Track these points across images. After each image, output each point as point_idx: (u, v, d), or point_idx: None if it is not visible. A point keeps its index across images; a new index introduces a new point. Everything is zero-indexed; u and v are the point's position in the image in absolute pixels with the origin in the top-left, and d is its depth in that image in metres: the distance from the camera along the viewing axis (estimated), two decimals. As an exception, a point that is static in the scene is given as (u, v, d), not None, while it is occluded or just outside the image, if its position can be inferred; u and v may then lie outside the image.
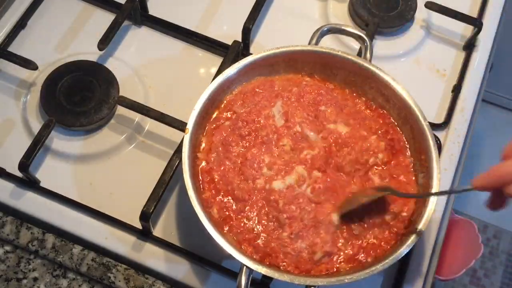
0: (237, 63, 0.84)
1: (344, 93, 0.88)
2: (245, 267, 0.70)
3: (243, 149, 0.82)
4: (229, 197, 0.78)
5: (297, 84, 0.87)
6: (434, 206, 0.75)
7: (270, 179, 0.79)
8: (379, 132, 0.85)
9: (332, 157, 0.82)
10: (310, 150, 0.82)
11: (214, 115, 0.84)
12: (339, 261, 0.76)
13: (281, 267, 0.74)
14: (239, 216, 0.78)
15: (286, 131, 0.83)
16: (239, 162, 0.80)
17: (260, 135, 0.82)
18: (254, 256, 0.75)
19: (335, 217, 0.77)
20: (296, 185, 0.79)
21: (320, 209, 0.78)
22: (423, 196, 0.79)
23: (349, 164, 0.81)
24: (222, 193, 0.79)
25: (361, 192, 0.80)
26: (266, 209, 0.78)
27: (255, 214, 0.78)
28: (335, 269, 0.75)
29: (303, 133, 0.83)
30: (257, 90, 0.86)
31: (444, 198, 0.92)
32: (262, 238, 0.76)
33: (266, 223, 0.77)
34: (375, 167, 0.82)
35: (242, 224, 0.77)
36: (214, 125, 0.83)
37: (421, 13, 1.06)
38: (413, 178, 0.82)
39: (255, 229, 0.77)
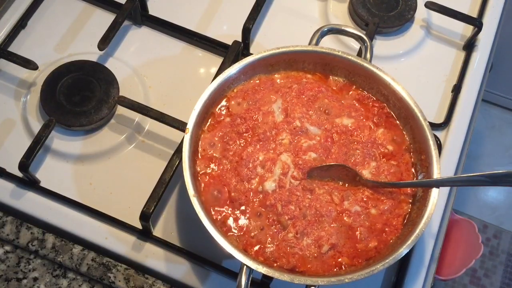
0: (237, 63, 0.84)
1: (340, 85, 0.89)
2: (245, 266, 0.70)
3: (240, 147, 0.82)
4: (228, 199, 0.78)
5: (297, 81, 0.87)
6: (434, 206, 0.75)
7: (261, 179, 0.79)
8: (375, 119, 0.85)
9: (334, 147, 0.82)
10: (308, 140, 0.83)
11: (215, 112, 0.84)
12: (343, 251, 0.76)
13: (294, 270, 0.74)
14: (239, 219, 0.77)
15: (285, 126, 0.83)
16: (235, 161, 0.80)
17: (258, 132, 0.82)
18: (260, 258, 0.75)
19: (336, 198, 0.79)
20: (283, 176, 0.79)
21: (318, 198, 0.78)
22: (415, 185, 0.80)
23: (356, 154, 0.82)
24: (220, 193, 0.79)
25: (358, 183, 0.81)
26: (268, 215, 0.78)
27: (255, 217, 0.78)
28: (340, 260, 0.76)
29: (302, 127, 0.83)
30: (257, 88, 0.86)
31: (444, 198, 0.92)
32: (267, 241, 0.76)
33: (269, 226, 0.77)
34: (383, 158, 0.83)
35: (243, 227, 0.77)
36: (214, 122, 0.83)
37: (421, 13, 1.06)
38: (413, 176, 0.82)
39: (258, 233, 0.76)
